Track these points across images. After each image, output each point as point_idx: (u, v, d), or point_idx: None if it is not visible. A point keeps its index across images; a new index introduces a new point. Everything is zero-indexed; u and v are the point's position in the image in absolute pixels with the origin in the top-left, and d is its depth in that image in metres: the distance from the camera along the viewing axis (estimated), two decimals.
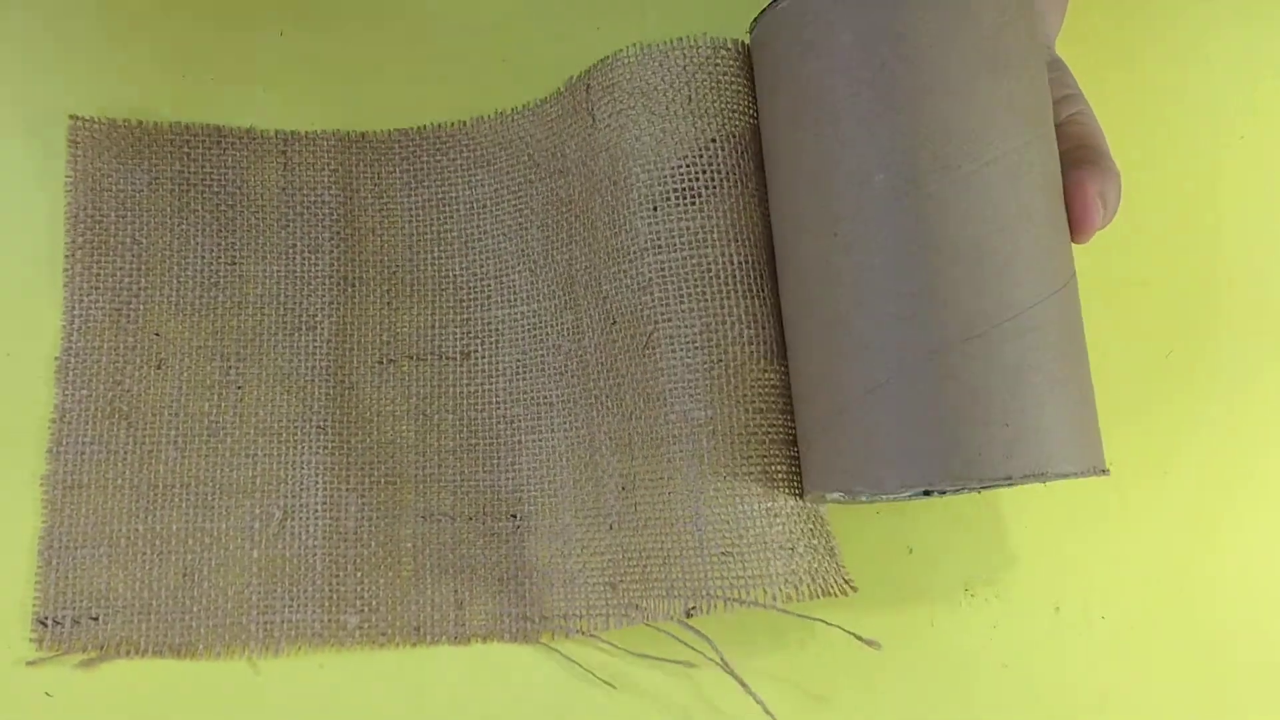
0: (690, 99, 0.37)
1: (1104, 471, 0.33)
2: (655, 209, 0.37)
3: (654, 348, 0.37)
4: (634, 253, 0.37)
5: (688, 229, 0.37)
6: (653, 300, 0.37)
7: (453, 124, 0.45)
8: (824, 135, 0.33)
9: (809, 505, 0.36)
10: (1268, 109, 0.48)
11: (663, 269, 0.37)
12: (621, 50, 0.38)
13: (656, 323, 0.37)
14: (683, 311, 0.36)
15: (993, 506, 0.43)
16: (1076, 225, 0.34)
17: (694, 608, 0.35)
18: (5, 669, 0.38)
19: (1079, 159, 0.35)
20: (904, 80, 0.32)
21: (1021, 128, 0.33)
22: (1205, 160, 0.47)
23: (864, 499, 0.37)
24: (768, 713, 0.38)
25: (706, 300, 0.36)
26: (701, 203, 0.37)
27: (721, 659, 0.38)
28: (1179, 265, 0.46)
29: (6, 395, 0.41)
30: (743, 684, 0.38)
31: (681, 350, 0.36)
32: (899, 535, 0.42)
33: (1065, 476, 0.32)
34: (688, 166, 0.37)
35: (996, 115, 0.32)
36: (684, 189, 0.37)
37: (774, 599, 0.34)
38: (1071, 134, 0.37)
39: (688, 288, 0.36)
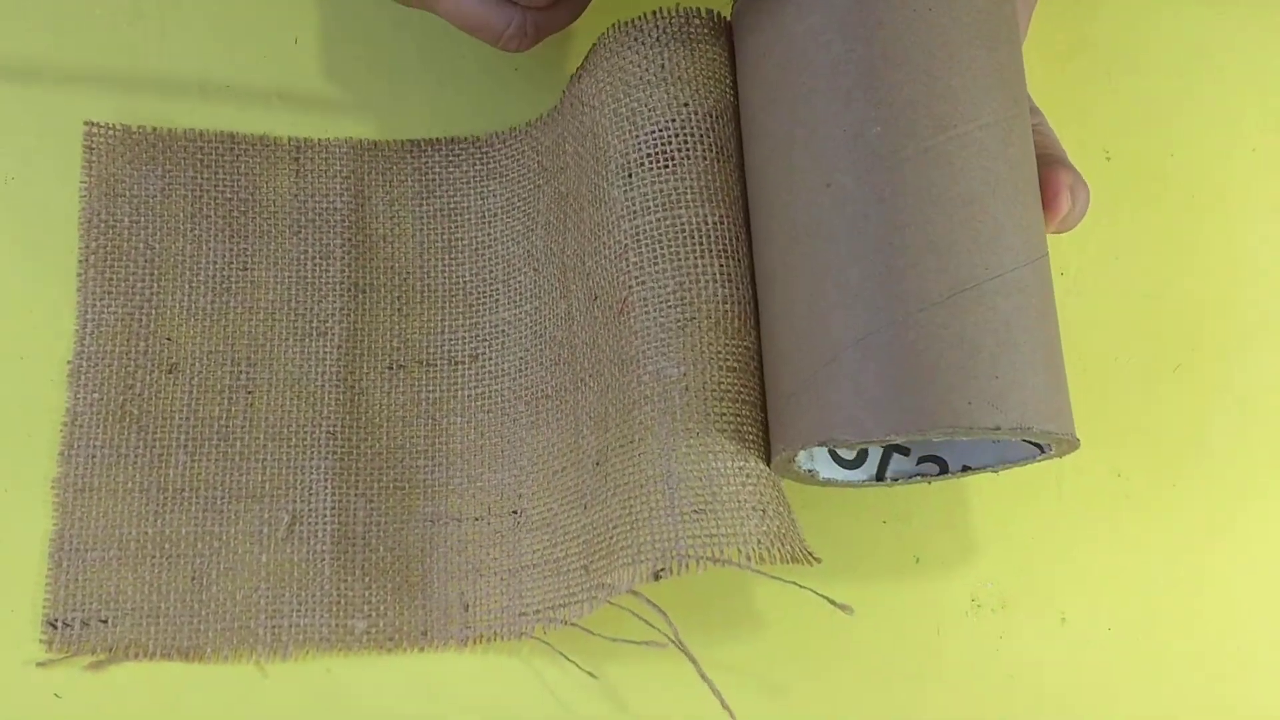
0: (664, 67, 0.38)
1: (1077, 442, 0.34)
2: (630, 175, 0.37)
3: (629, 311, 0.36)
4: (611, 222, 0.37)
5: (661, 191, 0.36)
6: (628, 265, 0.36)
7: (466, 137, 0.45)
8: (817, 90, 0.33)
9: (775, 471, 0.36)
10: (1278, 123, 0.48)
11: (637, 233, 0.36)
12: (601, 35, 0.39)
13: (631, 287, 0.36)
14: (656, 273, 0.36)
15: (1000, 515, 0.43)
16: (1047, 207, 0.35)
17: (663, 570, 0.34)
18: (15, 670, 0.39)
19: (1052, 157, 0.36)
20: (903, 39, 0.32)
21: (1010, 101, 0.33)
22: (1217, 172, 0.47)
23: (846, 476, 0.37)
24: (725, 707, 0.36)
25: (680, 260, 0.36)
26: (675, 166, 0.37)
27: (676, 637, 0.36)
28: (1188, 278, 0.46)
29: (20, 398, 0.41)
30: (697, 666, 0.36)
31: (655, 311, 0.36)
32: (906, 545, 0.42)
33: (1047, 436, 0.32)
34: (660, 131, 0.37)
35: (988, 84, 0.33)
36: (657, 153, 0.37)
37: (748, 559, 0.33)
38: (1035, 142, 0.37)
39: (661, 249, 0.36)
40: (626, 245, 0.37)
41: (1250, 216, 0.46)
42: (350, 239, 0.44)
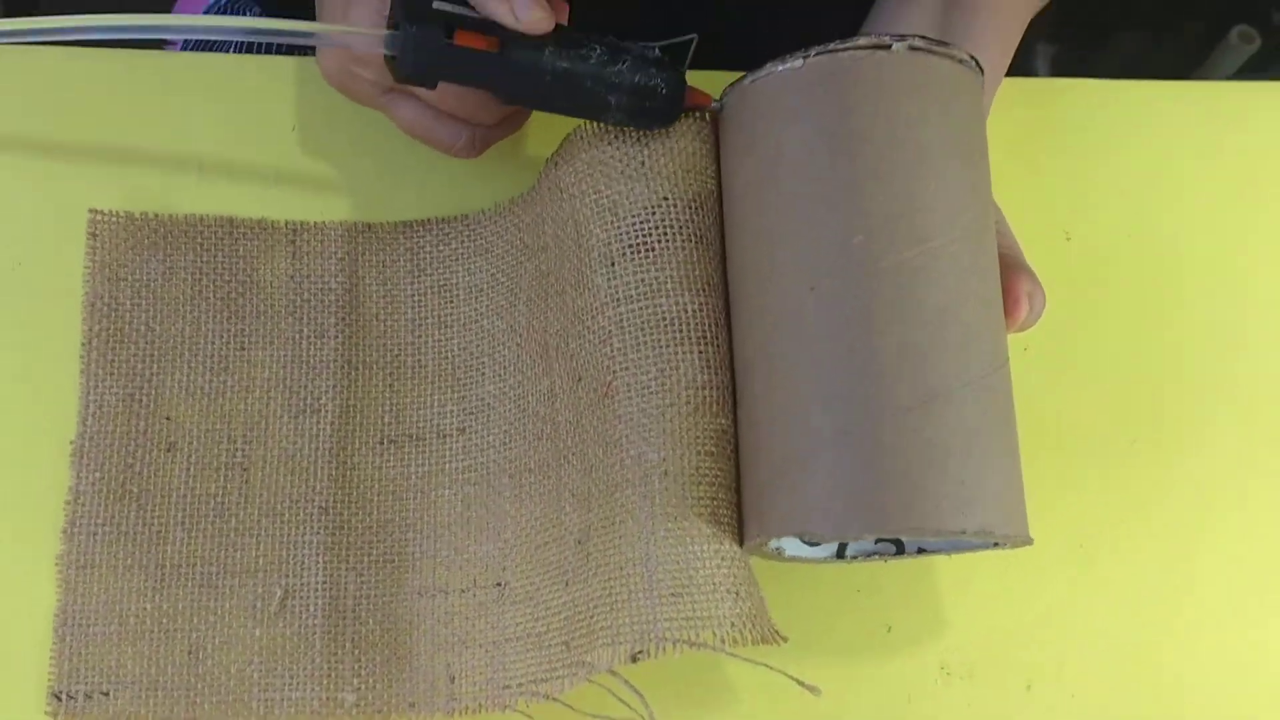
0: (644, 163, 0.39)
1: (1030, 541, 0.36)
2: (613, 264, 0.39)
3: (612, 396, 0.38)
4: (595, 309, 0.39)
5: (642, 280, 0.38)
6: (611, 351, 0.38)
7: (454, 216, 0.47)
8: (803, 195, 0.35)
9: (747, 553, 0.37)
10: (1230, 199, 0.50)
11: (620, 320, 0.38)
12: (578, 128, 0.41)
13: (615, 372, 0.38)
14: (639, 359, 0.38)
15: (969, 586, 0.44)
16: (1008, 313, 0.37)
17: (641, 651, 0.35)
18: None
19: (1012, 261, 0.38)
20: (886, 155, 0.34)
21: (981, 211, 0.35)
22: (1172, 251, 0.49)
23: (810, 554, 0.39)
24: None
25: (661, 348, 0.37)
26: (656, 256, 0.38)
27: (651, 717, 0.37)
28: (1145, 354, 0.48)
29: (26, 477, 0.43)
30: None
31: (637, 397, 0.37)
32: (879, 614, 0.44)
33: (1006, 538, 0.34)
34: (642, 223, 0.39)
35: (963, 197, 0.35)
36: (639, 244, 0.38)
37: (722, 641, 0.34)
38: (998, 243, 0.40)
39: (643, 336, 0.38)
40: (610, 331, 0.38)
41: (1204, 294, 0.49)
42: (344, 317, 0.46)
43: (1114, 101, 0.52)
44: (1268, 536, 0.46)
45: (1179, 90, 0.52)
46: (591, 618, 0.37)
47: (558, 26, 0.38)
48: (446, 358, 0.45)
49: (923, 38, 0.35)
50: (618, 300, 0.38)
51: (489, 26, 0.37)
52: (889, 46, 0.35)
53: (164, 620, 0.41)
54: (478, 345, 0.45)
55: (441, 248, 0.47)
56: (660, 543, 0.35)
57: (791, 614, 0.43)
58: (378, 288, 0.46)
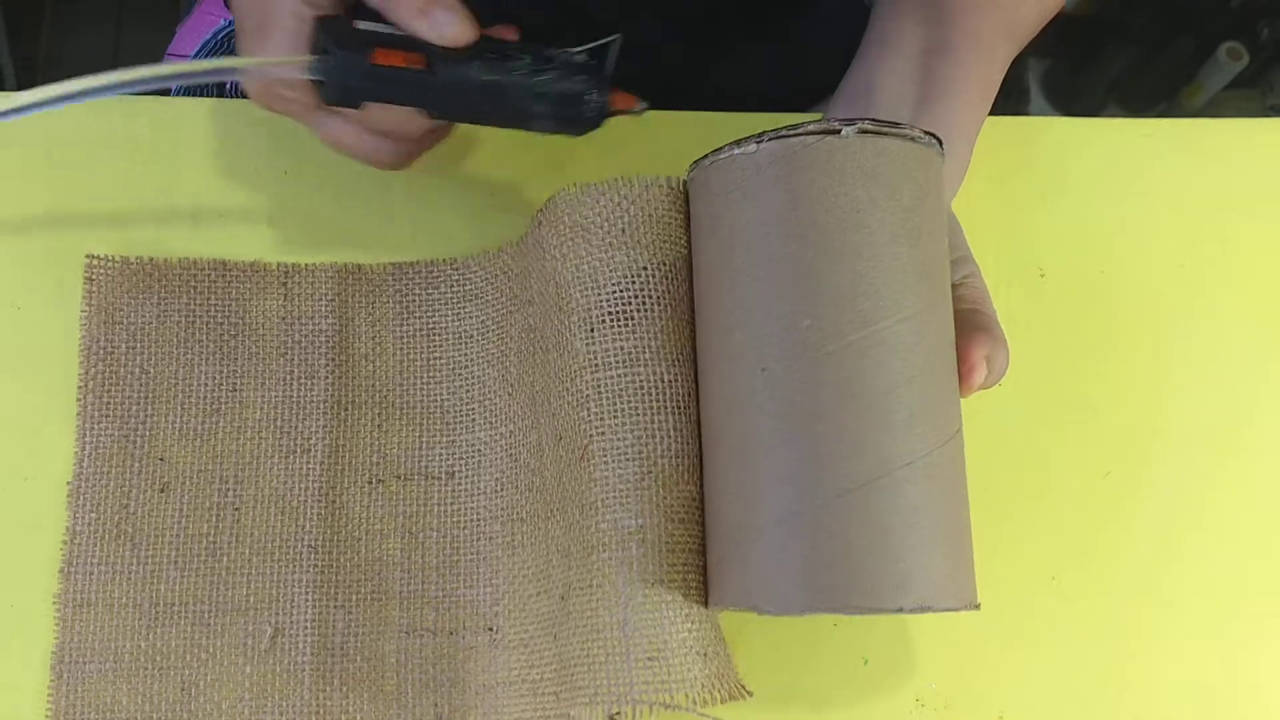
0: (624, 230, 0.40)
1: (976, 606, 0.37)
2: (592, 330, 0.40)
3: (589, 459, 0.39)
4: (574, 371, 0.40)
5: (621, 349, 0.39)
6: (589, 415, 0.39)
7: (444, 260, 0.48)
8: (756, 278, 0.36)
9: (714, 612, 0.39)
10: (1205, 240, 0.51)
11: (598, 386, 0.39)
12: (562, 189, 0.42)
13: (591, 436, 0.39)
14: (615, 425, 0.39)
15: (945, 619, 0.45)
16: (962, 380, 0.38)
17: (617, 714, 0.37)
18: None
19: (972, 324, 0.39)
20: (834, 239, 0.35)
21: (929, 292, 0.36)
22: (1145, 288, 0.50)
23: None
24: None
25: (638, 416, 0.39)
26: (634, 325, 0.39)
27: None
28: (1118, 389, 0.49)
29: (24, 518, 0.44)
30: None
31: (614, 462, 0.39)
32: (855, 647, 0.45)
33: (947, 610, 0.35)
34: (621, 291, 0.40)
35: (909, 279, 0.36)
36: (618, 312, 0.40)
37: (694, 702, 0.37)
38: (964, 296, 0.40)
39: (621, 403, 0.39)
40: (588, 396, 0.39)
41: (1176, 330, 0.50)
42: (334, 358, 0.47)
43: (1089, 139, 0.52)
44: (1240, 569, 0.47)
45: (1152, 127, 0.53)
46: (573, 675, 0.38)
47: (482, 38, 0.38)
48: (435, 401, 0.46)
49: (874, 120, 0.36)
50: (596, 366, 0.40)
51: (413, 44, 0.38)
52: (838, 131, 0.36)
53: (158, 658, 0.42)
54: (467, 391, 0.46)
55: (430, 291, 0.48)
56: (637, 608, 0.37)
57: (768, 647, 0.44)
58: (367, 329, 0.47)
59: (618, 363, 0.39)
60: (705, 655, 0.37)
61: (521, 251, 0.46)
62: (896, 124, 0.36)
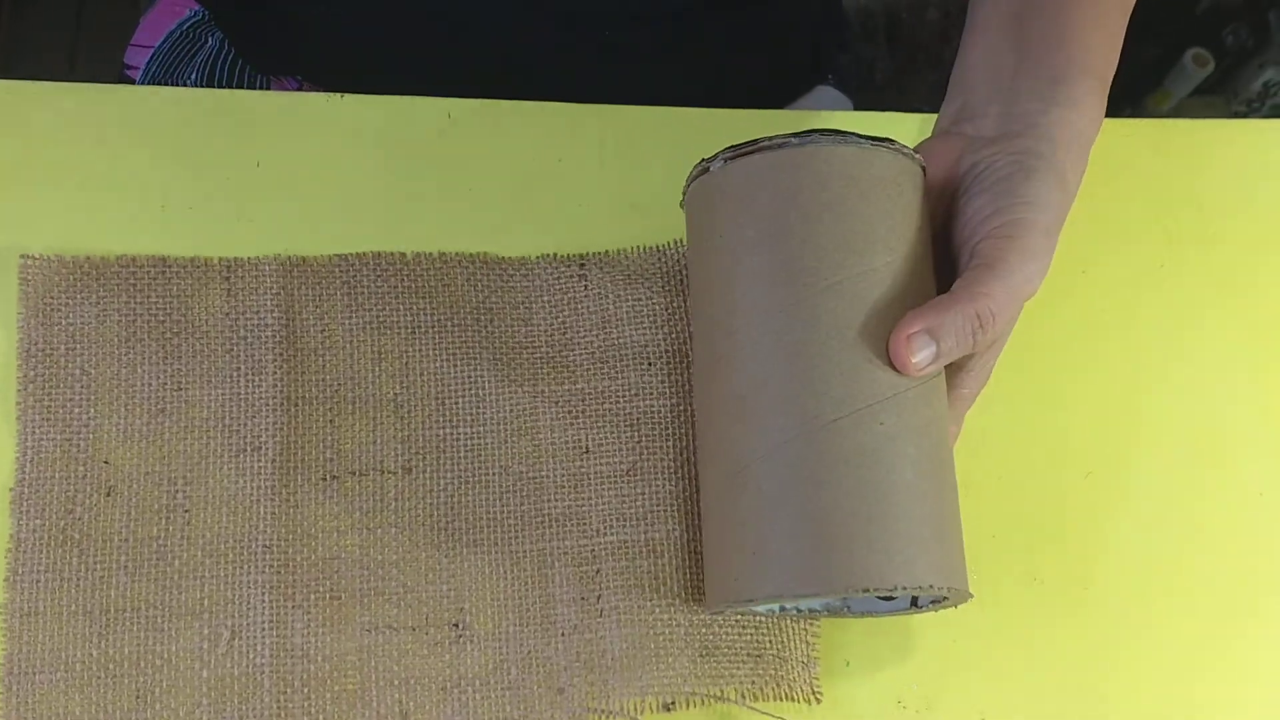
0: (680, 279, 0.47)
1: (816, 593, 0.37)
2: (649, 365, 0.46)
3: (636, 475, 0.44)
4: (625, 397, 0.46)
5: (675, 382, 0.46)
6: (638, 435, 0.45)
7: (392, 253, 0.48)
8: (693, 294, 0.42)
9: (776, 618, 0.43)
10: (1183, 240, 0.52)
11: (650, 412, 0.45)
12: (623, 249, 0.48)
13: (640, 455, 0.45)
14: (664, 448, 0.45)
15: (925, 620, 0.45)
16: (891, 357, 0.37)
17: (672, 703, 0.42)
18: None
19: (928, 304, 0.38)
20: (712, 269, 0.40)
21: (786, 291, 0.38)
22: (1126, 288, 0.51)
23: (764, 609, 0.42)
24: None
25: (685, 440, 0.45)
26: (680, 359, 0.46)
27: None
28: (1099, 389, 0.49)
29: None
30: None
31: (662, 479, 0.44)
32: (838, 649, 0.45)
33: (800, 598, 0.38)
34: (679, 333, 0.46)
35: (761, 298, 0.38)
36: (673, 350, 0.46)
37: (744, 698, 0.42)
38: (982, 250, 0.39)
39: (669, 430, 0.45)
40: (639, 420, 0.45)
41: (1156, 329, 0.50)
42: (282, 353, 0.46)
43: None
44: (1220, 568, 0.47)
45: (1132, 128, 0.53)
46: (604, 670, 0.42)
47: None
48: (386, 395, 0.46)
49: (733, 146, 0.39)
50: (649, 395, 0.46)
51: None
52: (708, 169, 0.40)
53: (110, 665, 0.41)
54: (423, 387, 0.46)
55: (379, 283, 0.47)
56: (694, 610, 0.43)
57: None
58: (315, 322, 0.47)
59: (668, 394, 0.46)
60: (759, 656, 0.43)
61: (519, 276, 0.48)
62: (756, 141, 0.39)
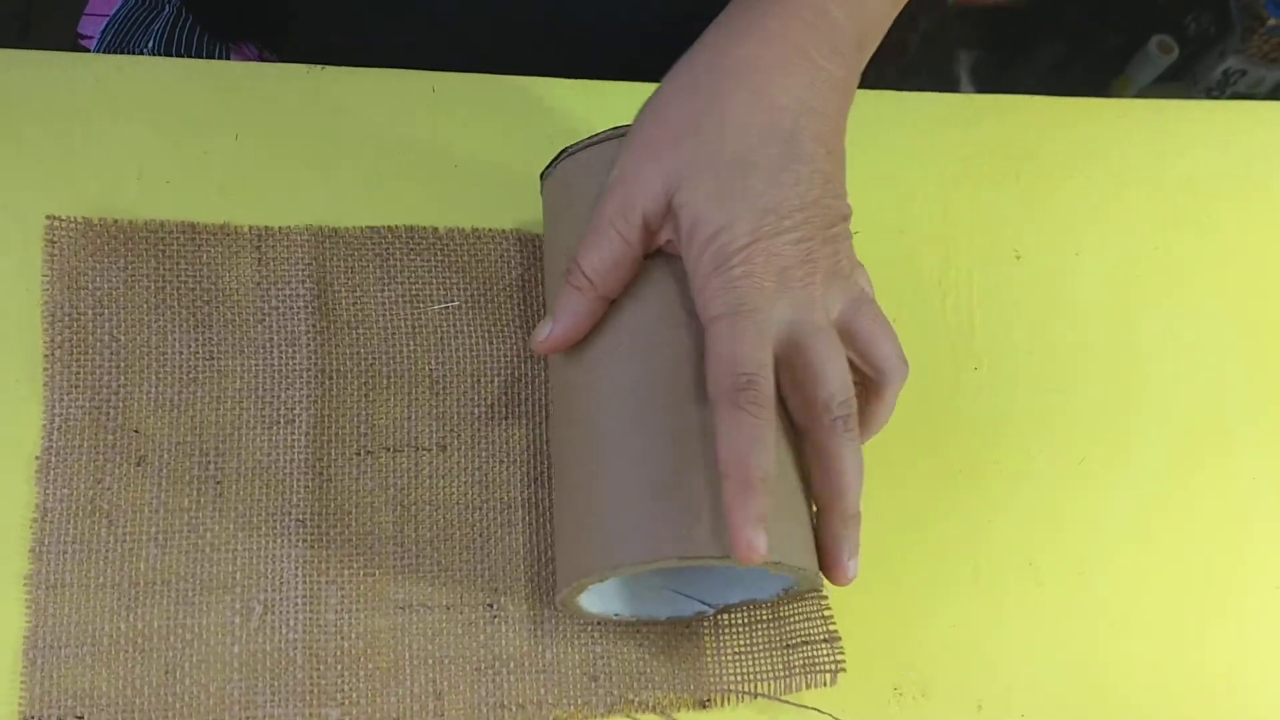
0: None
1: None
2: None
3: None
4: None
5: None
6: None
7: (425, 227, 0.47)
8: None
9: (804, 604, 0.43)
10: (1178, 223, 0.52)
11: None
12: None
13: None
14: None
15: (921, 606, 0.45)
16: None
17: (709, 700, 0.42)
18: None
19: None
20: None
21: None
22: (1120, 270, 0.51)
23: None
24: None
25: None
26: None
27: None
28: (1094, 373, 0.50)
29: None
30: None
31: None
32: None
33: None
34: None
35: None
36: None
37: (778, 692, 0.42)
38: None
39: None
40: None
41: (1151, 312, 0.51)
42: (315, 325, 0.45)
43: (1063, 119, 0.54)
44: (1215, 554, 0.48)
45: (1126, 108, 0.54)
46: (643, 664, 0.42)
47: None
48: (422, 371, 0.45)
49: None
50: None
51: None
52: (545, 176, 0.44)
53: (139, 640, 0.40)
54: (458, 364, 0.45)
55: (412, 257, 0.47)
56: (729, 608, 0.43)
57: None
58: (347, 294, 0.46)
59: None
60: (790, 647, 0.43)
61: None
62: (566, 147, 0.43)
